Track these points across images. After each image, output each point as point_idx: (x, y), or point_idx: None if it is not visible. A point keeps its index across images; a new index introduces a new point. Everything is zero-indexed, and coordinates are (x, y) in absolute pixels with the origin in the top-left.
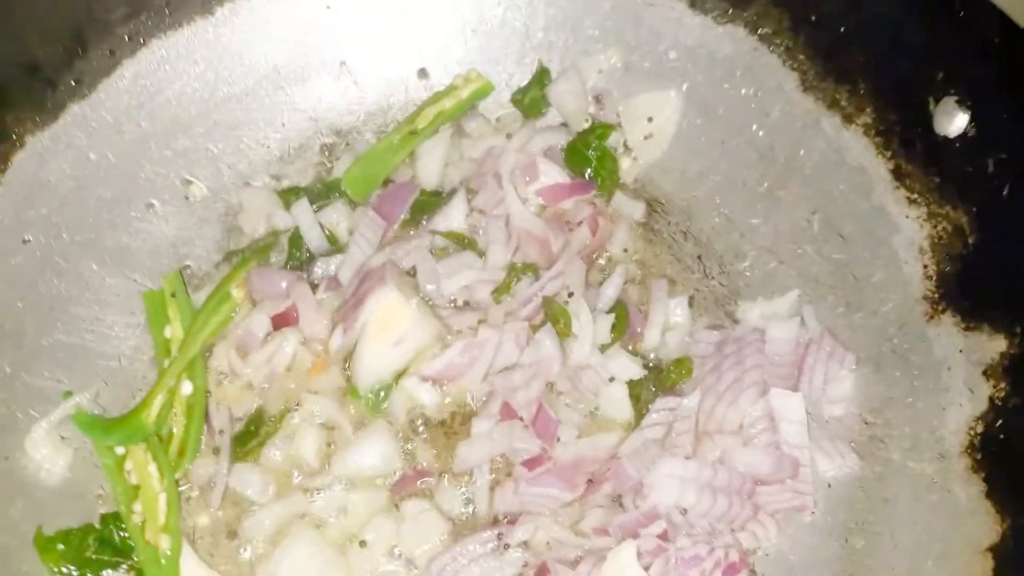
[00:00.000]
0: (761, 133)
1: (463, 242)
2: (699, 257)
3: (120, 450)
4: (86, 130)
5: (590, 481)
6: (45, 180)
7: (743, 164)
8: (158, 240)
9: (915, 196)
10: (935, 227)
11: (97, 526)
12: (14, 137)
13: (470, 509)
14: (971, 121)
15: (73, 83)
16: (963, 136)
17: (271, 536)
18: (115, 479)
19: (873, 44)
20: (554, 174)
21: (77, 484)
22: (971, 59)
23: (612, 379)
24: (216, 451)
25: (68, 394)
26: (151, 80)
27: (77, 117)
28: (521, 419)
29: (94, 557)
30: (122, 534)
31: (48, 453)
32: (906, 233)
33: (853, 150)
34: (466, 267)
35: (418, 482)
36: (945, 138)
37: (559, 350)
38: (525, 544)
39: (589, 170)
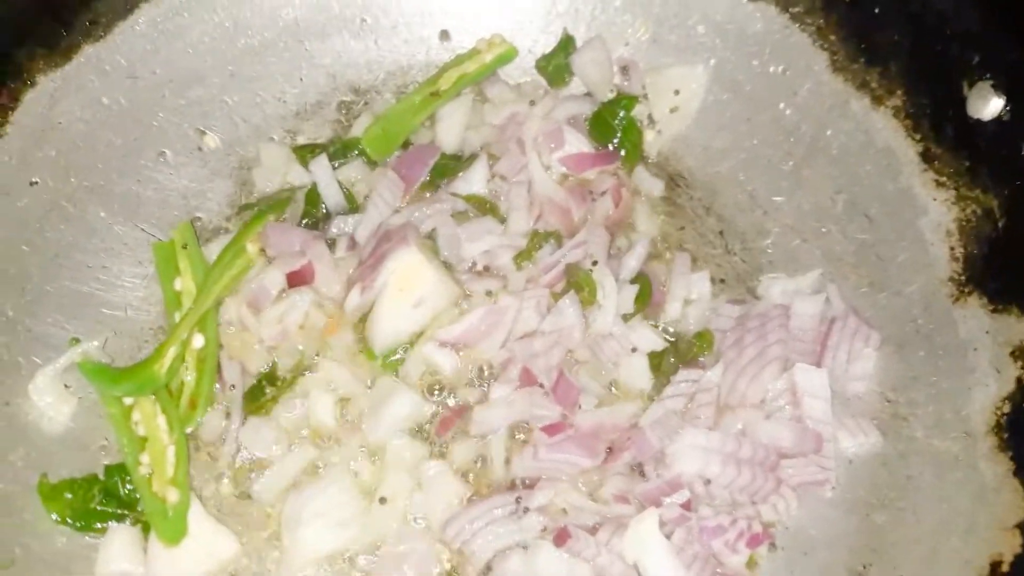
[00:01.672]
0: (788, 112)
1: (485, 207)
2: (721, 233)
3: (128, 401)
4: (99, 73)
5: (609, 449)
6: (55, 122)
7: (768, 142)
8: (169, 190)
9: (944, 179)
10: (963, 210)
11: (101, 477)
12: (25, 75)
13: (487, 472)
14: (1006, 105)
15: (88, 24)
16: (997, 119)
17: (282, 495)
18: (121, 429)
19: (907, 26)
20: (578, 143)
21: (80, 434)
22: (1008, 43)
23: (634, 349)
24: (227, 406)
25: (75, 341)
26: (168, 26)
27: (91, 59)
28: (541, 385)
29: (99, 508)
30: (127, 487)
31: (51, 401)
32: (933, 215)
33: (881, 132)
34: (487, 232)
35: (459, 420)
36: (978, 121)
37: (581, 318)
38: (543, 509)
39: (614, 141)
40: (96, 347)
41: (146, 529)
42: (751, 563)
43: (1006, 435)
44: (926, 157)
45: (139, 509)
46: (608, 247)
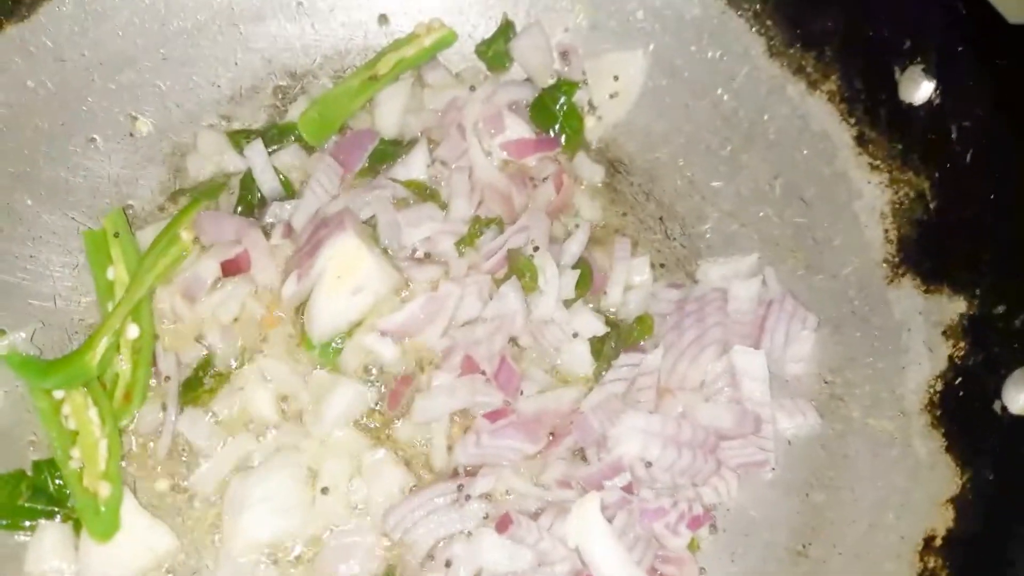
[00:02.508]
0: (726, 97)
1: (425, 193)
2: (661, 218)
3: (58, 394)
4: (24, 54)
5: (551, 435)
6: None
7: (707, 127)
8: (99, 177)
9: (877, 162)
10: (896, 192)
11: (29, 473)
12: None
13: (429, 460)
14: (936, 89)
15: (11, 2)
16: (928, 103)
17: (219, 487)
18: (50, 424)
19: (841, 11)
20: (520, 128)
21: (6, 429)
22: (938, 28)
23: (575, 335)
24: (163, 398)
25: (1, 333)
26: (97, 6)
27: (14, 40)
28: (483, 373)
29: (27, 505)
30: (57, 482)
31: None
32: (867, 198)
33: (817, 116)
34: (428, 218)
35: (407, 389)
36: (910, 105)
37: (523, 304)
38: (486, 496)
39: (555, 126)
40: (23, 339)
41: (77, 526)
42: (693, 545)
43: (939, 412)
44: (860, 141)
45: (70, 505)
46: (549, 233)
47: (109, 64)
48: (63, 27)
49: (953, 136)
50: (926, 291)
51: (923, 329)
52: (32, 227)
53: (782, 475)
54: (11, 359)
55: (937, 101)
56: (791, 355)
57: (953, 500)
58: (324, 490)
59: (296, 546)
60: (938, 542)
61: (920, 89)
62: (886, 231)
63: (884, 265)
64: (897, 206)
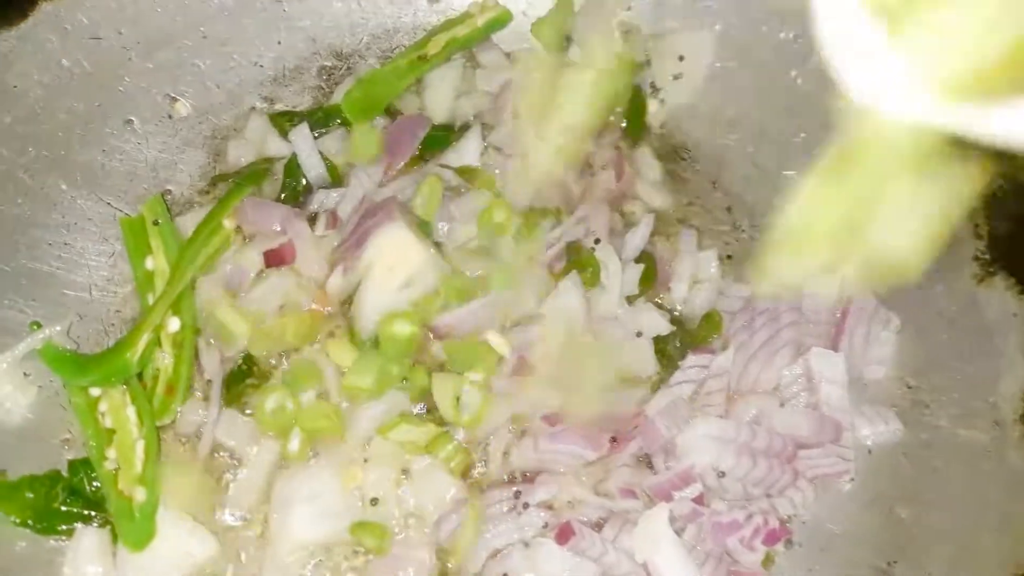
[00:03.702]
0: (800, 81)
1: (478, 180)
2: (728, 209)
3: (95, 391)
4: (59, 32)
5: (613, 440)
6: (10, 85)
7: (778, 113)
8: (136, 161)
9: (967, 150)
10: (989, 183)
11: (64, 474)
12: None
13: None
14: None
15: None
16: None
17: (262, 495)
18: (86, 421)
19: None
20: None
21: (40, 427)
22: None
23: (639, 333)
24: (205, 394)
25: (36, 325)
26: None
27: (49, 17)
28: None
29: (63, 509)
30: (94, 484)
31: (10, 391)
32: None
33: None
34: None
35: None
36: None
37: (584, 300)
38: (545, 504)
39: (616, 110)
40: (59, 332)
41: (116, 531)
42: (767, 560)
43: None
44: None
45: (108, 508)
46: (610, 224)
47: (147, 42)
48: (99, 4)
49: None
50: (1022, 292)
51: (1019, 332)
52: (67, 213)
53: (863, 486)
54: (47, 354)
55: None
56: (872, 358)
57: None
58: (374, 501)
59: (346, 550)
60: None
61: None
62: (976, 225)
63: (974, 263)
64: (989, 198)
